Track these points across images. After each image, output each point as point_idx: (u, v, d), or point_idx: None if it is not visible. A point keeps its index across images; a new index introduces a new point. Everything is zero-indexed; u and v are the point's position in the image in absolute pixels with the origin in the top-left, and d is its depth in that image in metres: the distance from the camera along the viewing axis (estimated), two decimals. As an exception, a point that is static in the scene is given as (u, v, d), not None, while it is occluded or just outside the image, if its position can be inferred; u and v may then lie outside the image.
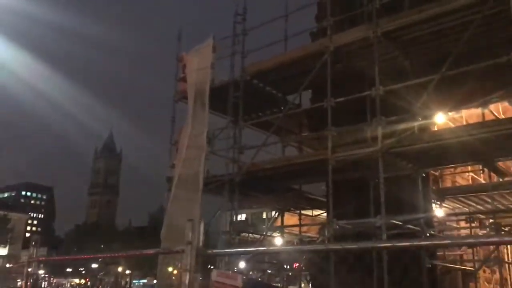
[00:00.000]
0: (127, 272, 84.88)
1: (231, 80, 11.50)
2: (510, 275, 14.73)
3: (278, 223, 15.53)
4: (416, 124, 10.28)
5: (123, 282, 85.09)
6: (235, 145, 11.38)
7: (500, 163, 11.51)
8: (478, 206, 13.43)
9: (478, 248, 12.35)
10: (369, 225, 10.37)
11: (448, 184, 14.05)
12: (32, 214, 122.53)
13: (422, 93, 10.42)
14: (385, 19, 9.39)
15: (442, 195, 12.19)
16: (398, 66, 10.74)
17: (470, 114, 13.68)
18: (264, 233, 15.00)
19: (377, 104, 9.02)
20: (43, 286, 73.09)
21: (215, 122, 12.05)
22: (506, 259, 15.14)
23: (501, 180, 10.78)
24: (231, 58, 11.69)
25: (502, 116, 11.43)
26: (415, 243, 4.97)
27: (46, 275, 77.88)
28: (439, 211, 12.04)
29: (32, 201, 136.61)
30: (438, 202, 12.53)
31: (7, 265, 77.01)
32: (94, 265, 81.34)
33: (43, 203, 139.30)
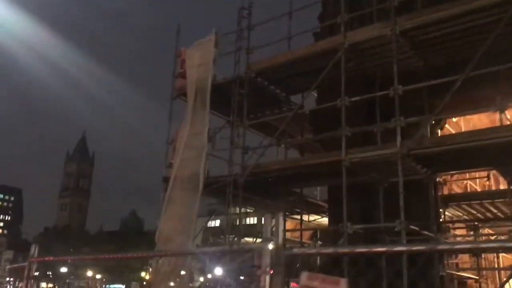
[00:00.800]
0: (98, 276, 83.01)
1: (235, 77, 10.95)
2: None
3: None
4: (428, 127, 10.06)
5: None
6: (236, 146, 10.81)
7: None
8: (478, 214, 13.22)
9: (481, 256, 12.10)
10: (377, 230, 10.03)
11: (445, 191, 13.82)
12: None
13: (433, 95, 10.20)
14: (404, 17, 9.04)
15: (447, 202, 11.88)
16: (409, 67, 10.44)
17: (478, 119, 13.55)
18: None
19: (396, 104, 8.62)
20: (8, 290, 70.57)
21: (211, 121, 11.47)
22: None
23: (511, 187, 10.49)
24: (236, 54, 11.16)
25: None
26: (439, 247, 4.58)
27: (11, 279, 75.43)
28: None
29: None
30: (441, 209, 12.23)
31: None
32: (64, 269, 79.20)
33: (10, 205, 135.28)
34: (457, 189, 15.11)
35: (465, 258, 14.04)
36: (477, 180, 15.22)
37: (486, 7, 8.32)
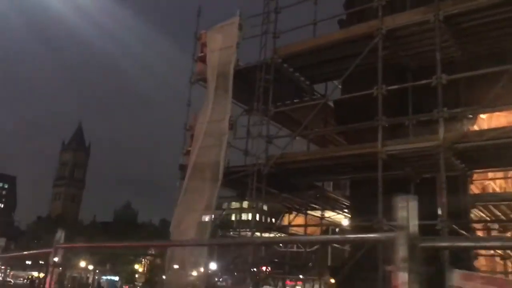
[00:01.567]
0: (90, 267, 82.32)
1: (260, 62, 10.37)
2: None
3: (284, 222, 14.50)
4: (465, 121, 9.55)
5: (90, 279, 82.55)
6: (259, 135, 10.24)
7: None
8: (502, 216, 12.72)
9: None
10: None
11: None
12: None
13: (471, 87, 9.69)
14: (448, 2, 8.49)
15: (474, 201, 11.36)
16: (446, 57, 9.94)
17: (496, 118, 13.05)
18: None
19: (439, 94, 8.09)
20: (-1, 278, 69.64)
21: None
22: None
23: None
24: (261, 38, 10.58)
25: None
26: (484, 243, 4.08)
27: (2, 267, 74.61)
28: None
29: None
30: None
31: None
32: (56, 258, 78.42)
33: (4, 192, 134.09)
34: (475, 190, 14.63)
35: (481, 261, 13.56)
36: (497, 181, 14.75)
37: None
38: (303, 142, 12.40)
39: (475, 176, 14.20)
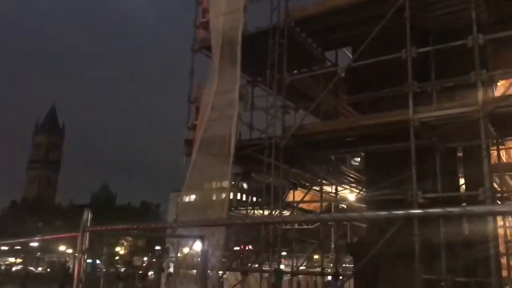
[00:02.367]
0: (69, 251, 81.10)
1: (272, 26, 9.59)
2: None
3: (289, 199, 13.89)
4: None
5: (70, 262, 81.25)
6: (272, 106, 9.53)
7: None
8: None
9: None
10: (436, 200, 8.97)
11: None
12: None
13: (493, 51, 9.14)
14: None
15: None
16: (463, 20, 9.35)
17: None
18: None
19: (476, 55, 7.48)
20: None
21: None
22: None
23: None
24: (272, 0, 9.78)
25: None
26: None
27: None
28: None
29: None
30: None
31: None
32: (34, 244, 76.93)
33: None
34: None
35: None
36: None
37: None
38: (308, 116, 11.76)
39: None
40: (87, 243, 4.23)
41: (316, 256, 30.89)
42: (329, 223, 13.37)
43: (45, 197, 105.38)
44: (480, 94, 7.33)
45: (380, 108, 9.37)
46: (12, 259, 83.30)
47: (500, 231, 10.25)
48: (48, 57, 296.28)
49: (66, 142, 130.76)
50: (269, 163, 8.96)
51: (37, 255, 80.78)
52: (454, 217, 9.03)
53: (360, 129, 8.44)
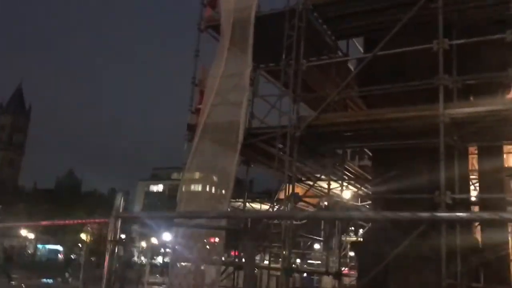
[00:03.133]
0: (30, 237, 78.83)
1: (289, 7, 8.98)
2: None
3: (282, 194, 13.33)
4: None
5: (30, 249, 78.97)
6: (285, 94, 8.91)
7: None
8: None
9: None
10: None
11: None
12: None
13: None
14: None
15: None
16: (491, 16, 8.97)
17: None
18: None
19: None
20: None
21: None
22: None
23: None
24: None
25: None
26: None
27: None
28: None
29: None
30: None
31: None
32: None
33: None
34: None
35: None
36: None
37: None
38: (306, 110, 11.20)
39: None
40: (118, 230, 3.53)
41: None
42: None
43: (7, 179, 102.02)
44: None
45: (394, 103, 8.90)
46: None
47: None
48: (16, 33, 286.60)
49: (32, 124, 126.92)
50: (280, 153, 8.34)
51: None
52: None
53: (385, 122, 7.89)
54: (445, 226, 6.82)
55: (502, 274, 9.25)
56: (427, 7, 8.57)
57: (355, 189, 13.09)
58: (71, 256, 57.77)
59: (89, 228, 77.26)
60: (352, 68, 10.82)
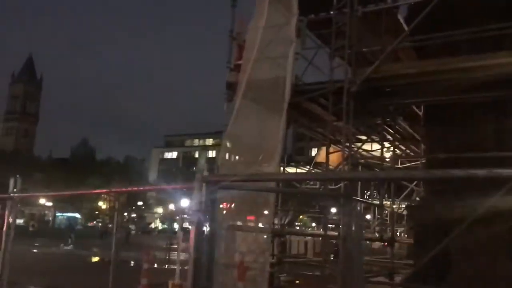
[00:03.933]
0: (48, 204, 79.39)
1: None
2: None
3: (321, 158, 12.53)
4: None
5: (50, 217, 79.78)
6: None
7: None
8: None
9: None
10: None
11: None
12: None
13: None
14: None
15: None
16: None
17: None
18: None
19: None
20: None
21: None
22: None
23: None
24: None
25: None
26: None
27: None
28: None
29: None
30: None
31: None
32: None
33: None
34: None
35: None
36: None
37: None
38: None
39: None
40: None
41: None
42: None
43: (23, 149, 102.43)
44: None
45: (455, 53, 7.96)
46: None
47: None
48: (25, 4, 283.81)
49: (45, 94, 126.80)
50: (336, 111, 7.49)
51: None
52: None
53: (455, 72, 6.97)
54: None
55: None
56: None
57: (398, 151, 12.22)
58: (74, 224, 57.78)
59: (106, 196, 77.77)
60: (401, 19, 9.83)
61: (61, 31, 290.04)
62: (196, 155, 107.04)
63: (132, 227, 70.26)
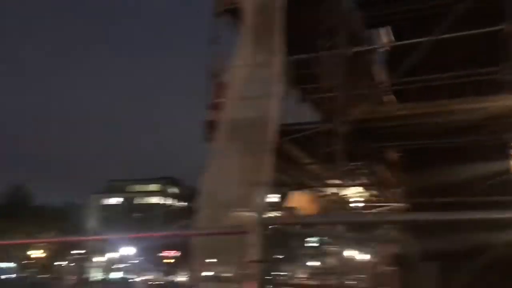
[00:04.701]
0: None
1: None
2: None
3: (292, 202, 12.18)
4: None
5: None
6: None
7: None
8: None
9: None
10: None
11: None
12: None
13: None
14: None
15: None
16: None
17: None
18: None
19: None
20: None
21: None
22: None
23: None
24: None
25: None
26: None
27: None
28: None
29: None
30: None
31: None
32: None
33: None
34: None
35: None
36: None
37: None
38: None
39: None
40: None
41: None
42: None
43: None
44: None
45: (435, 97, 7.98)
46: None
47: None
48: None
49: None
50: (327, 152, 7.17)
51: None
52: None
53: (451, 114, 6.87)
54: None
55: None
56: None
57: (369, 194, 12.08)
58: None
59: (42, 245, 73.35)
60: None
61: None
62: (138, 201, 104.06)
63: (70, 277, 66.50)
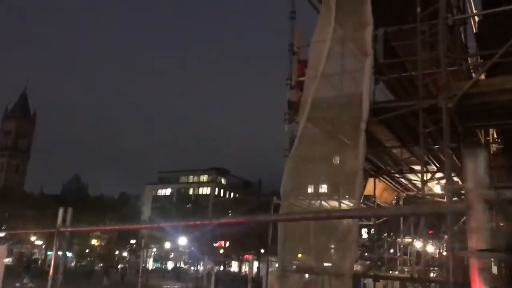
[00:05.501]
0: (38, 243, 76.68)
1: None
2: None
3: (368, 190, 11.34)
4: None
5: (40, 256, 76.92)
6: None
7: None
8: None
9: None
10: None
11: None
12: None
13: None
14: None
15: None
16: None
17: None
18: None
19: None
20: None
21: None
22: None
23: None
24: None
25: None
26: None
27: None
28: None
29: None
30: None
31: None
32: (1, 234, 72.16)
33: None
34: None
35: None
36: None
37: None
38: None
39: None
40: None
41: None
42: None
43: (13, 185, 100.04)
44: None
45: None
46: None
47: None
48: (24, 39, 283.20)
49: (38, 129, 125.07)
50: (427, 132, 6.35)
51: (6, 246, 75.68)
52: None
53: None
54: None
55: None
56: None
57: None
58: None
59: (99, 233, 75.28)
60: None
61: (59, 62, 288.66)
62: (191, 191, 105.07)
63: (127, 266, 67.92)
